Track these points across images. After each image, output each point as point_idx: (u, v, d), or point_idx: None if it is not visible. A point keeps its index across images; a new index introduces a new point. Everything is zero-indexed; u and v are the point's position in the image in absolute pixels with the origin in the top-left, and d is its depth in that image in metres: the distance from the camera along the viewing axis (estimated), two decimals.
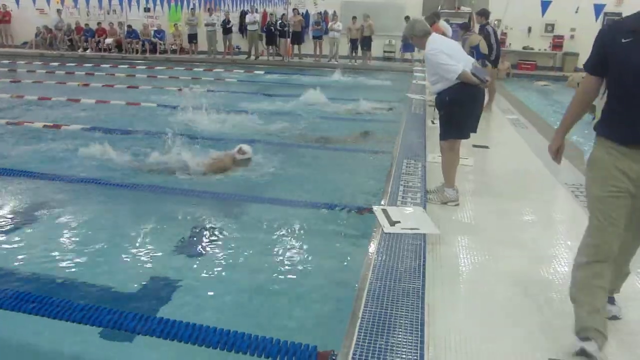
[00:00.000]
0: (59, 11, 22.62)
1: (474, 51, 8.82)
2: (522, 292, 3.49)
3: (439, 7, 17.75)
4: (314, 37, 20.48)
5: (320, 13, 20.99)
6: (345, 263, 4.46)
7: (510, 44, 20.05)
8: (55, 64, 19.25)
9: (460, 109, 4.89)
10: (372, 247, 3.92)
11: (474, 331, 3.02)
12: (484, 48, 9.22)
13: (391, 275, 3.45)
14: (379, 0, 20.81)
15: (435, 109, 5.28)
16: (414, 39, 5.01)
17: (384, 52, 21.35)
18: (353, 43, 19.79)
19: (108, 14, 23.02)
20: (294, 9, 20.48)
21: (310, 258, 4.53)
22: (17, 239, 4.87)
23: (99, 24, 22.61)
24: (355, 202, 5.53)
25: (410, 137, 7.53)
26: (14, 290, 3.67)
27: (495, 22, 16.28)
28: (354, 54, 20.03)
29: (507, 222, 4.79)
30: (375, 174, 6.59)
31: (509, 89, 14.46)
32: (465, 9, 18.14)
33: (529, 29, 20.20)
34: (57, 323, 3.37)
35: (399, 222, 4.31)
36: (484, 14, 10.16)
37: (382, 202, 4.89)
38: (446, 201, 5.07)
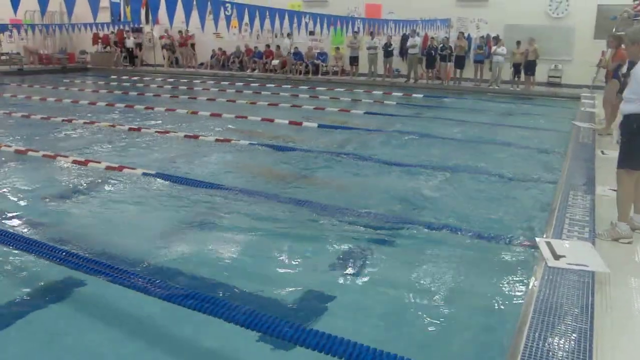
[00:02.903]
0: (289, 35, 23.26)
1: None
2: None
3: (614, 29, 16.47)
4: (475, 61, 20.07)
5: (482, 37, 20.53)
6: (501, 295, 4.29)
7: None
8: (226, 82, 20.92)
9: None
10: (534, 281, 3.74)
11: None
12: None
13: (555, 312, 3.27)
14: (545, 23, 19.86)
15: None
16: (635, 44, 4.68)
17: (549, 77, 20.24)
18: (516, 67, 19.06)
19: (276, 37, 24.46)
20: (459, 32, 20.20)
21: (464, 287, 4.43)
22: (191, 244, 5.36)
23: (267, 46, 24.15)
24: (514, 233, 5.31)
25: (577, 167, 7.07)
26: (183, 288, 4.01)
27: None
28: (516, 79, 19.27)
29: None
30: (536, 205, 6.29)
31: None
32: None
33: None
34: (215, 322, 3.61)
35: (564, 256, 4.07)
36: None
37: (545, 235, 4.65)
38: (618, 237, 4.67)
